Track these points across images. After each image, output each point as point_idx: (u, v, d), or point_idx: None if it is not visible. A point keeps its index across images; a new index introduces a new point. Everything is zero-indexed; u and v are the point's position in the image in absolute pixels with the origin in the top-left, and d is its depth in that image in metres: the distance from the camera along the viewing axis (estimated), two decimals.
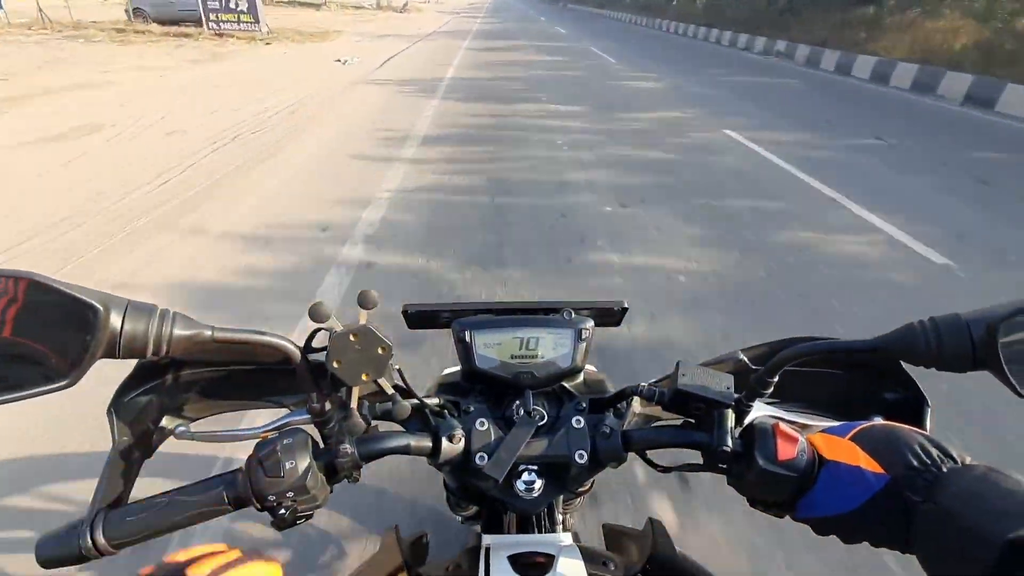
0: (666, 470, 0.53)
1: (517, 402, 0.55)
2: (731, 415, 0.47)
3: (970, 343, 0.38)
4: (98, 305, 0.34)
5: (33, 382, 0.34)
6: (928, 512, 0.35)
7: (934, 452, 0.37)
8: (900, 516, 0.37)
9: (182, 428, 0.52)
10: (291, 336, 0.45)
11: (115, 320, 0.35)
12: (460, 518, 0.83)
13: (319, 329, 0.45)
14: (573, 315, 0.58)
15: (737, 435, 0.47)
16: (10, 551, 1.42)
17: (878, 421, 0.44)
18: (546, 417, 0.54)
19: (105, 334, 0.34)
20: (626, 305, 0.61)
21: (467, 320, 0.57)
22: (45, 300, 0.34)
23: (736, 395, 0.48)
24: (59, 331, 0.35)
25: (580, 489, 0.64)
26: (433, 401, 0.54)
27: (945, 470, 0.36)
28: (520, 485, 0.51)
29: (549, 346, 0.56)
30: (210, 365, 0.54)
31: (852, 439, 0.41)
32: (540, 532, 0.60)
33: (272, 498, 0.42)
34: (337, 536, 1.46)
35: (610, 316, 0.62)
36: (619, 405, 0.56)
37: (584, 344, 0.57)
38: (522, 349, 0.56)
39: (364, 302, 0.45)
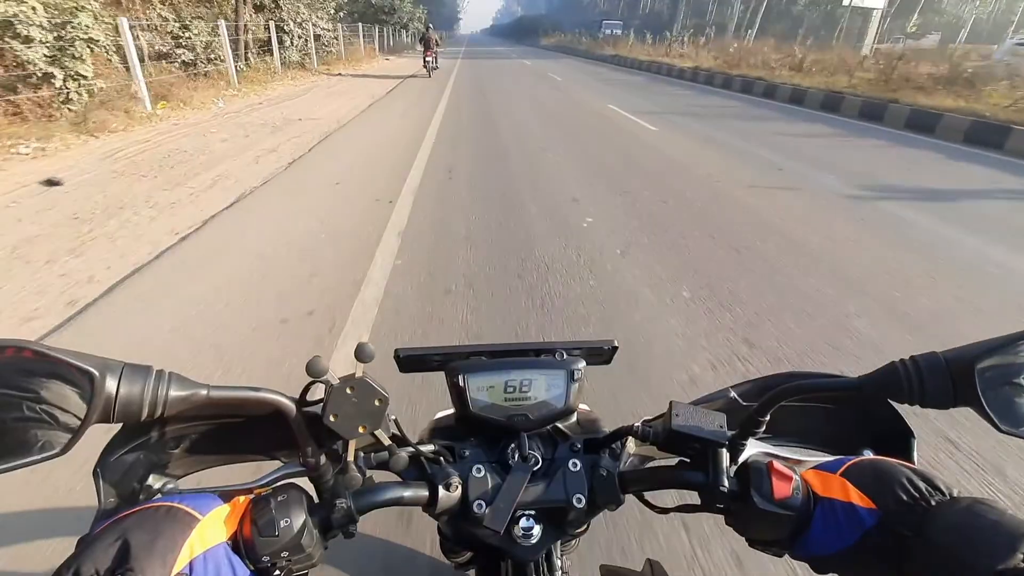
0: (664, 511, 0.53)
1: (512, 445, 0.54)
2: (726, 454, 0.47)
3: (950, 381, 0.39)
4: (94, 371, 0.34)
5: (24, 452, 0.34)
6: (918, 547, 0.35)
7: (922, 485, 0.38)
8: (893, 552, 0.37)
9: (170, 486, 0.50)
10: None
11: (111, 385, 0.35)
12: (454, 564, 0.81)
13: (314, 382, 0.45)
14: (565, 356, 0.59)
15: (732, 474, 0.47)
16: None
17: (867, 455, 0.44)
18: (541, 461, 0.54)
19: (100, 400, 0.34)
20: (616, 344, 0.62)
21: (460, 364, 0.58)
22: (39, 368, 0.34)
23: (730, 433, 0.48)
24: (54, 399, 0.34)
25: (577, 531, 0.63)
26: (428, 448, 0.54)
27: (934, 503, 0.37)
28: (518, 532, 0.50)
29: (542, 387, 0.57)
30: (199, 419, 0.53)
31: (843, 475, 0.42)
32: None
33: (266, 558, 0.41)
34: None
35: (600, 355, 0.63)
36: (614, 445, 0.56)
37: (577, 384, 0.57)
38: (515, 392, 0.56)
39: (361, 355, 0.45)
